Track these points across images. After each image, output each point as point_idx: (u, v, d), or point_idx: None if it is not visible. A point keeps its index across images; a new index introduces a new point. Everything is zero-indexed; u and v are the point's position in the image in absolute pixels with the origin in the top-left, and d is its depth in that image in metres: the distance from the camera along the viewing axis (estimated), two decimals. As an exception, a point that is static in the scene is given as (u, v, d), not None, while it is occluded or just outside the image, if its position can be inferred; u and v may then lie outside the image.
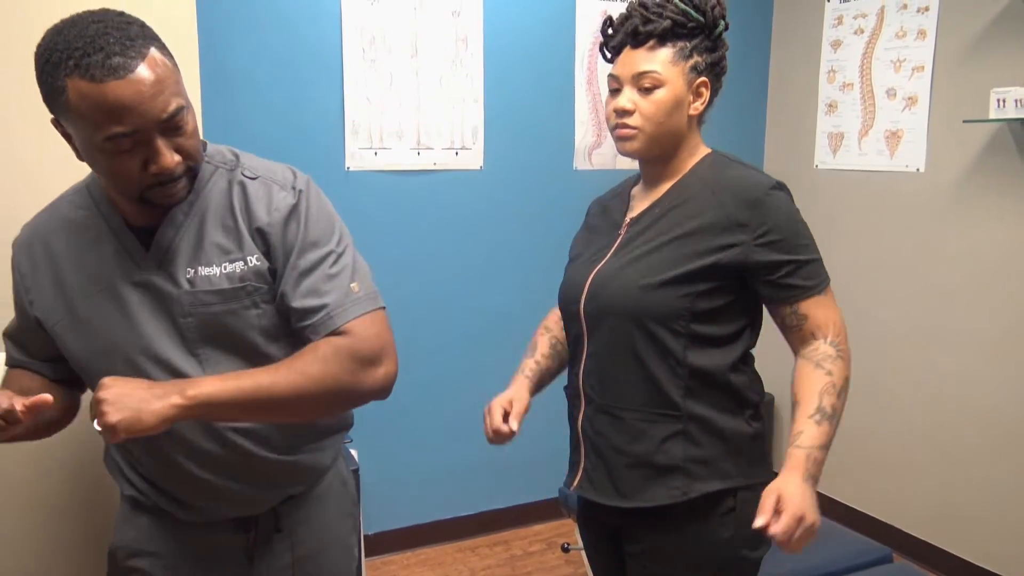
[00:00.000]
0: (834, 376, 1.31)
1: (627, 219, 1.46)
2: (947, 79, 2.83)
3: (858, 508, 3.26)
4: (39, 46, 1.07)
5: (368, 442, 2.86)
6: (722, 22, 1.40)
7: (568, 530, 3.18)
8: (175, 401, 1.08)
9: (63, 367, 1.31)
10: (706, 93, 1.41)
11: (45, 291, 1.23)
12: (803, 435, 1.27)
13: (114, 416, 1.04)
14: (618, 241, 1.45)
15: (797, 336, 1.36)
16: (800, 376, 1.34)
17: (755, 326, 1.44)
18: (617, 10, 1.46)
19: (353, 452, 2.67)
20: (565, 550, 2.87)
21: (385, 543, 3.05)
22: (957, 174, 2.82)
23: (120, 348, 1.20)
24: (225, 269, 1.20)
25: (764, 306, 1.42)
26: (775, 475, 1.28)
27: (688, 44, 1.38)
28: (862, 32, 3.12)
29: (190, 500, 1.28)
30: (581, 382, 1.47)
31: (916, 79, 2.92)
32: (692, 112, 1.41)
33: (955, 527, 2.90)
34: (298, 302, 1.22)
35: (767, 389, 3.90)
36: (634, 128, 1.38)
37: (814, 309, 1.34)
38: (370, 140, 2.84)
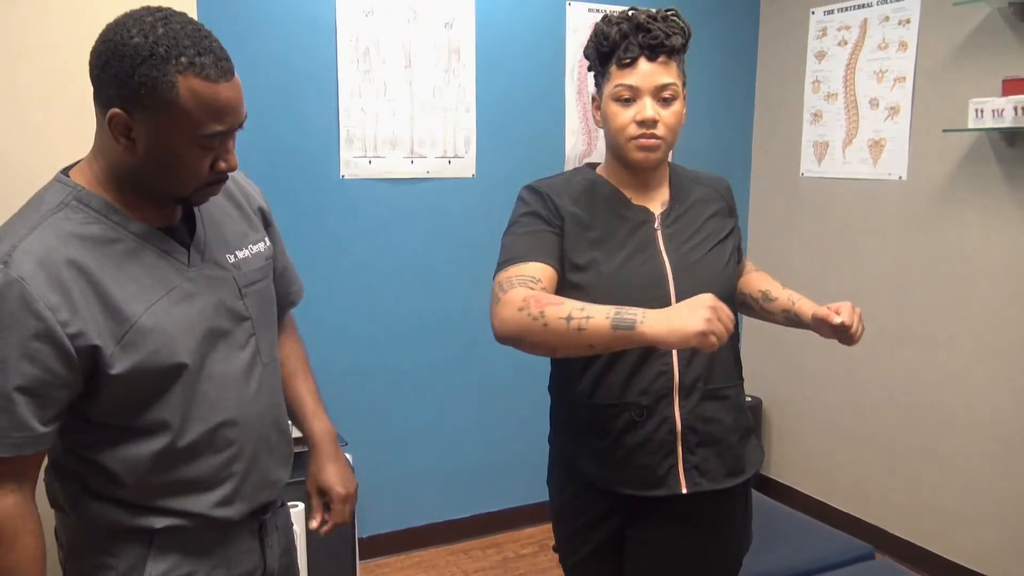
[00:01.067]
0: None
1: (656, 216, 1.52)
2: (928, 90, 2.90)
3: (840, 508, 3.32)
4: (127, 37, 1.05)
5: (362, 446, 2.89)
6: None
7: (559, 532, 3.22)
8: None
9: (53, 434, 1.14)
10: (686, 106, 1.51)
11: (92, 315, 1.10)
12: (795, 294, 1.60)
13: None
14: (659, 236, 1.50)
15: (741, 274, 1.72)
16: (755, 277, 1.69)
17: None
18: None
19: (348, 456, 2.70)
20: (557, 550, 2.91)
21: (379, 546, 3.09)
22: (938, 182, 2.89)
23: (200, 345, 1.20)
24: (252, 250, 1.32)
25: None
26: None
27: (681, 59, 1.47)
28: (846, 43, 3.19)
29: (252, 496, 1.29)
30: (678, 376, 1.46)
31: (898, 89, 2.99)
32: (682, 122, 1.50)
33: (937, 526, 2.96)
34: (292, 272, 1.50)
35: (755, 392, 3.96)
36: (660, 138, 1.44)
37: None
38: (364, 149, 2.89)
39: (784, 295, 1.60)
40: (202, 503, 1.23)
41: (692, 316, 1.19)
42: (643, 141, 1.44)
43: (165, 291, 1.17)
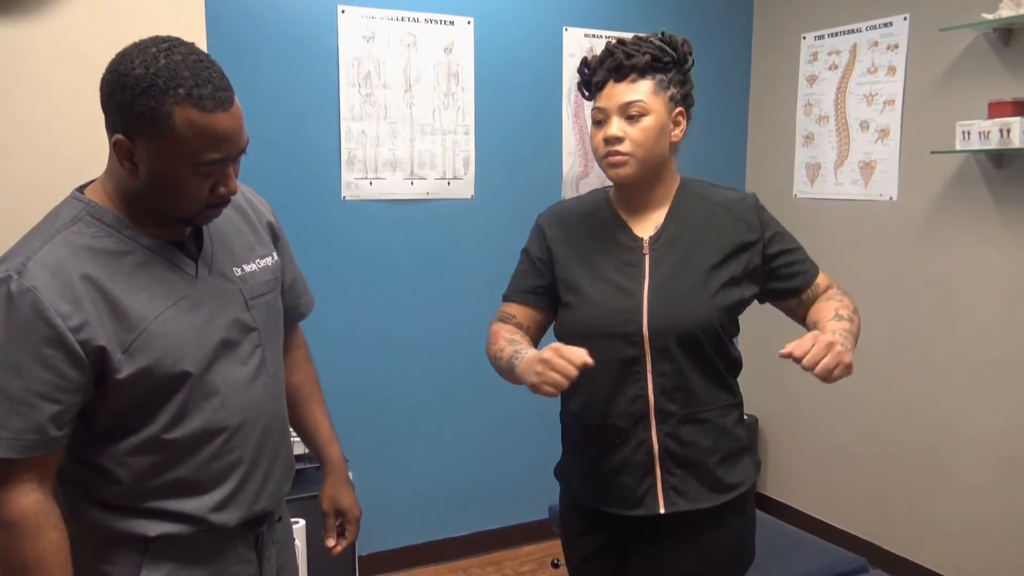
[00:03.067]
0: (845, 300, 1.56)
1: (644, 240, 1.53)
2: (916, 112, 2.96)
3: (835, 524, 3.34)
4: (130, 68, 1.10)
5: (362, 464, 2.92)
6: (690, 58, 1.53)
7: (559, 550, 3.23)
8: None
9: (65, 437, 1.18)
10: (683, 122, 1.54)
11: (102, 321, 1.14)
12: (829, 325, 1.46)
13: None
14: (647, 262, 1.51)
15: (812, 304, 1.59)
16: (816, 308, 1.56)
17: None
18: (598, 48, 1.57)
19: (348, 473, 2.73)
20: (555, 566, 2.93)
21: (379, 564, 3.10)
22: (927, 202, 2.95)
23: (207, 355, 1.23)
24: (259, 264, 1.35)
25: (781, 299, 1.62)
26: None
27: (665, 77, 1.50)
28: (836, 68, 3.26)
29: (249, 504, 1.31)
30: (654, 401, 1.48)
31: (887, 112, 3.06)
32: (673, 139, 1.53)
33: (931, 542, 2.98)
34: (301, 284, 1.52)
35: (751, 410, 3.99)
36: (625, 155, 1.47)
37: (822, 279, 1.62)
38: (365, 170, 2.94)
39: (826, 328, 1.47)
40: (198, 506, 1.25)
41: (528, 370, 1.35)
42: (610, 159, 1.49)
43: (173, 301, 1.21)
